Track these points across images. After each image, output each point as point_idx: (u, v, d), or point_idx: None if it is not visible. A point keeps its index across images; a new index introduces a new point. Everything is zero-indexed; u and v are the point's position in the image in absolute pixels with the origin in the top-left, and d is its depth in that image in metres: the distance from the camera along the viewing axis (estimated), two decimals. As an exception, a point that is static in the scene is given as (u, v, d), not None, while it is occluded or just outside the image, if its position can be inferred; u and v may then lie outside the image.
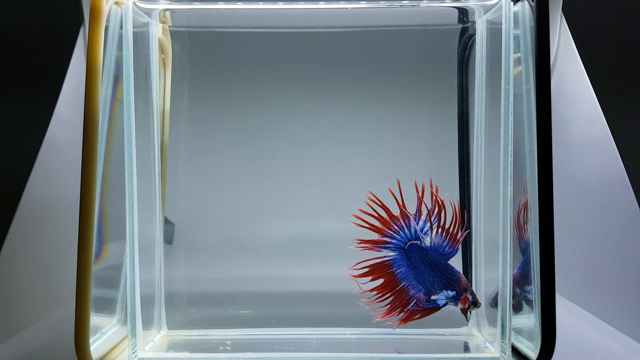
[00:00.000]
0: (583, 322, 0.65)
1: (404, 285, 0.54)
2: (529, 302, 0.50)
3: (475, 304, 0.54)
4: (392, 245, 0.54)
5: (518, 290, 0.52)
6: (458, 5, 0.58)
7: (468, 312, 0.54)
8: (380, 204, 0.53)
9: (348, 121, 0.63)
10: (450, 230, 0.53)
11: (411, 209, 0.53)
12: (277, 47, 0.63)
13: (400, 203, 0.53)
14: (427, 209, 0.53)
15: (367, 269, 0.54)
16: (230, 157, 0.64)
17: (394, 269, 0.54)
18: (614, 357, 0.55)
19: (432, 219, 0.53)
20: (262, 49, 0.63)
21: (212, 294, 0.63)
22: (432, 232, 0.53)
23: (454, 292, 0.53)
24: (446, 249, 0.53)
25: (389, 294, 0.54)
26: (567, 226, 0.72)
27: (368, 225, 0.53)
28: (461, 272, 0.54)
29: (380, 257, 0.54)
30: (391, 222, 0.53)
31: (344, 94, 0.63)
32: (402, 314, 0.53)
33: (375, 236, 0.54)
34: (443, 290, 0.53)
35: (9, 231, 0.63)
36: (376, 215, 0.53)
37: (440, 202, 0.52)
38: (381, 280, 0.54)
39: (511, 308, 0.51)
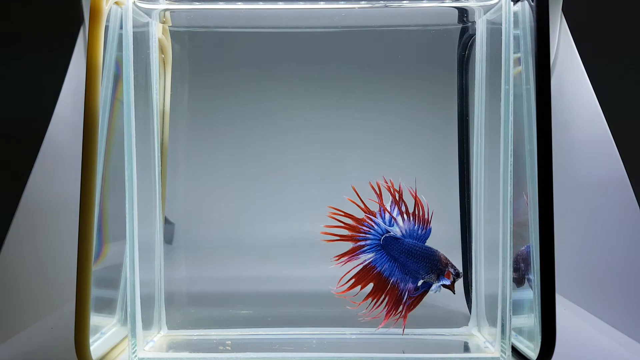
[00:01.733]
0: (583, 322, 0.65)
1: (393, 282, 0.53)
2: (530, 281, 0.51)
3: (458, 275, 0.54)
4: (367, 246, 0.53)
5: (522, 265, 0.52)
6: (458, 5, 0.58)
7: (454, 285, 0.54)
8: (343, 213, 0.53)
9: (348, 121, 0.63)
10: (417, 213, 0.53)
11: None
12: (277, 47, 0.63)
13: (362, 206, 0.53)
14: (396, 201, 0.53)
15: (353, 280, 0.53)
16: (230, 157, 0.64)
17: (379, 268, 0.53)
18: (614, 357, 0.55)
19: (392, 207, 0.53)
20: (262, 49, 0.63)
21: (212, 294, 0.63)
22: (399, 220, 0.53)
23: (438, 270, 0.53)
24: (419, 231, 0.53)
25: (383, 296, 0.53)
26: (567, 226, 0.72)
27: (339, 237, 0.53)
28: (438, 250, 0.54)
29: (361, 263, 0.53)
30: (359, 226, 0.53)
31: (344, 94, 0.63)
32: (401, 309, 0.53)
33: (349, 245, 0.53)
34: (429, 273, 0.53)
35: (9, 231, 0.63)
36: (342, 224, 0.53)
37: (398, 191, 0.52)
38: (371, 285, 0.54)
39: (511, 308, 0.51)
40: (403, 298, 0.53)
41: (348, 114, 0.63)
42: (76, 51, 0.75)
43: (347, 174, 0.63)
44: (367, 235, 0.53)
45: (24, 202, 0.65)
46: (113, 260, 0.54)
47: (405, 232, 0.53)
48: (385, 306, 0.53)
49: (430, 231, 0.53)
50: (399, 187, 0.53)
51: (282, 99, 0.64)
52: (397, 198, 0.53)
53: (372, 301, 0.53)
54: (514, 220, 0.51)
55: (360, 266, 0.53)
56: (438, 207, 0.54)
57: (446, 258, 0.54)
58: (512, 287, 0.51)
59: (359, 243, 0.53)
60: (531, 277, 0.50)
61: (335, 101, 0.63)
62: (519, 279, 0.52)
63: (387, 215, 0.53)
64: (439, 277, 0.53)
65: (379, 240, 0.53)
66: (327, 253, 0.56)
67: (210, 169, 0.64)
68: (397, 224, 0.53)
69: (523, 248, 0.52)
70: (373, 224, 0.53)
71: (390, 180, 0.53)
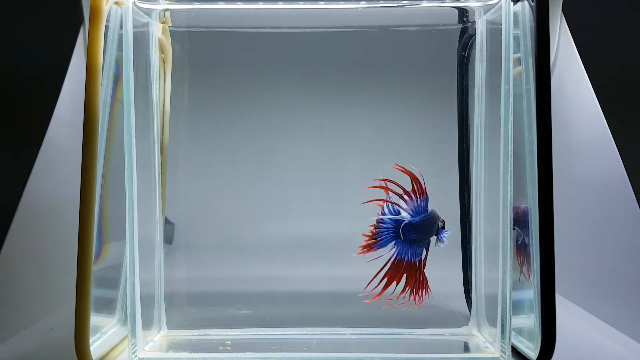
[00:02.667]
0: (583, 322, 0.65)
1: (418, 261, 0.53)
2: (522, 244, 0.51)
3: (444, 222, 0.54)
4: (382, 242, 0.53)
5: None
6: (458, 5, 0.58)
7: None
8: (371, 233, 0.53)
9: (348, 121, 0.63)
10: (414, 187, 0.52)
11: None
12: (277, 47, 0.63)
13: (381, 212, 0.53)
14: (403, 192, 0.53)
15: (386, 279, 0.52)
16: (230, 157, 0.64)
17: (405, 257, 0.53)
18: (614, 357, 0.55)
19: (389, 200, 0.52)
20: (262, 49, 0.63)
21: (212, 294, 0.63)
22: (402, 204, 0.53)
23: (437, 228, 0.53)
24: (422, 204, 0.53)
25: (414, 281, 0.53)
26: (567, 226, 0.72)
27: (361, 251, 0.53)
28: (433, 209, 0.54)
29: (388, 261, 0.53)
30: (372, 234, 0.53)
31: (344, 94, 0.63)
32: (421, 278, 0.53)
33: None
34: (432, 234, 0.53)
35: (9, 231, 0.63)
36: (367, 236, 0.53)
37: (386, 184, 0.52)
38: (405, 275, 0.53)
39: (511, 308, 0.51)
40: (422, 267, 0.53)
41: (348, 113, 0.63)
42: (76, 51, 0.75)
43: (347, 174, 0.63)
44: (382, 235, 0.53)
45: (24, 202, 0.65)
46: (113, 260, 0.54)
47: (412, 211, 0.53)
48: (414, 285, 0.53)
49: (428, 197, 0.53)
50: (383, 179, 0.52)
51: (282, 98, 0.64)
52: (393, 187, 0.53)
53: (410, 291, 0.52)
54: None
55: (389, 264, 0.53)
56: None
57: (435, 211, 0.54)
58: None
59: (376, 245, 0.53)
60: (525, 239, 0.51)
61: (335, 101, 0.63)
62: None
63: (390, 205, 0.53)
64: (437, 233, 0.53)
65: (393, 233, 0.53)
66: (327, 253, 0.56)
67: (210, 169, 0.64)
68: (402, 209, 0.53)
69: (524, 206, 0.52)
70: (382, 223, 0.53)
71: (380, 180, 0.53)
